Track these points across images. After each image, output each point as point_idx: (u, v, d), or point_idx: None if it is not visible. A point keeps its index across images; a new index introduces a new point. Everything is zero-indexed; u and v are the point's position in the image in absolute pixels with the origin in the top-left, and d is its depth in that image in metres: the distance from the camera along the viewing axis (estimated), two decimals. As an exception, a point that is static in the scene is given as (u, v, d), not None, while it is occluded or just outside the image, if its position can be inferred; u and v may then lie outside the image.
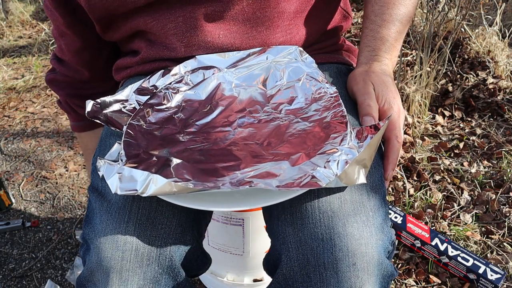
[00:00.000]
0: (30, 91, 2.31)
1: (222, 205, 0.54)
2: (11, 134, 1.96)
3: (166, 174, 0.58)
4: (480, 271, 1.17)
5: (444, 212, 1.40)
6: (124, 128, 0.65)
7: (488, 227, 1.35)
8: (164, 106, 0.71)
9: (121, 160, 0.59)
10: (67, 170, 1.72)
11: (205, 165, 0.60)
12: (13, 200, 1.56)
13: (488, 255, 1.27)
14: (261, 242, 1.02)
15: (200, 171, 0.59)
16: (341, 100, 0.66)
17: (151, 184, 0.52)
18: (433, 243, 1.24)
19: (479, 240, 1.32)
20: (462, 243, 1.31)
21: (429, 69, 1.77)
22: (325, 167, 0.55)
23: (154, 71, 0.77)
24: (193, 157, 0.62)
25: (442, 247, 1.23)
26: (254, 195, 0.55)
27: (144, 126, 0.66)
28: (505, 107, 1.81)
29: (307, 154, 0.59)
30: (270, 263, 0.65)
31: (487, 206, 1.41)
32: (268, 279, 1.12)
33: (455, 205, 1.43)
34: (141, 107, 0.69)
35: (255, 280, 1.12)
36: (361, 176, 0.55)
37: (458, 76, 1.98)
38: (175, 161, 0.61)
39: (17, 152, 1.84)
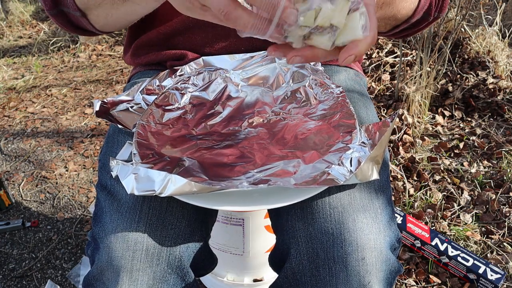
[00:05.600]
0: (30, 91, 2.31)
1: (241, 204, 0.55)
2: (11, 134, 1.96)
3: (182, 174, 0.58)
4: (480, 271, 1.17)
5: (444, 212, 1.40)
6: (134, 128, 0.66)
7: (488, 227, 1.35)
8: (172, 107, 0.72)
9: (135, 161, 0.59)
10: (67, 170, 1.72)
11: (219, 165, 0.61)
12: (13, 200, 1.56)
13: (488, 255, 1.27)
14: (261, 242, 1.02)
15: (215, 171, 0.60)
16: (348, 99, 0.68)
17: (170, 184, 0.52)
18: (433, 243, 1.24)
19: (479, 240, 1.32)
20: (462, 243, 1.31)
21: (429, 69, 1.77)
22: (339, 164, 0.56)
23: (169, 59, 0.78)
24: (206, 157, 0.62)
25: (442, 247, 1.23)
26: (272, 194, 0.56)
27: (153, 126, 0.67)
28: (505, 107, 1.81)
29: (319, 152, 0.61)
30: (277, 258, 0.66)
31: (487, 206, 1.41)
32: (268, 279, 1.12)
33: (455, 205, 1.43)
34: (149, 107, 0.70)
35: (255, 280, 1.12)
36: (374, 173, 0.57)
37: (458, 76, 1.98)
38: (189, 161, 0.61)
39: (17, 152, 1.84)
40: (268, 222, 0.97)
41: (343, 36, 0.44)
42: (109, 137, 0.73)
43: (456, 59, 2.06)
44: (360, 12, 0.43)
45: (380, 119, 1.80)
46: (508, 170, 1.52)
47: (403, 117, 1.77)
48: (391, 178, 1.56)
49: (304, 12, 0.41)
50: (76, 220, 1.49)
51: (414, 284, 1.22)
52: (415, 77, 1.80)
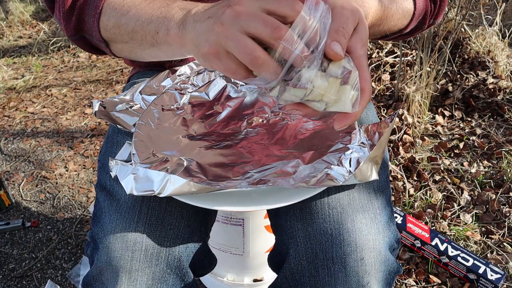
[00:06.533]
0: (30, 91, 2.31)
1: (240, 205, 0.55)
2: (11, 134, 1.96)
3: (181, 175, 0.58)
4: (480, 271, 1.17)
5: (444, 212, 1.40)
6: (133, 128, 0.66)
7: (488, 227, 1.34)
8: (172, 107, 0.71)
9: (134, 161, 0.59)
10: (67, 170, 1.72)
11: (218, 165, 0.61)
12: (13, 200, 1.56)
13: (488, 255, 1.27)
14: (261, 242, 1.02)
15: (214, 171, 0.60)
16: None
17: (169, 184, 0.52)
18: (433, 243, 1.24)
19: (479, 240, 1.32)
20: (462, 243, 1.31)
21: (429, 69, 1.77)
22: (338, 164, 0.56)
23: (168, 61, 0.78)
24: (205, 157, 0.63)
25: (442, 247, 1.23)
26: (271, 194, 0.56)
27: (153, 127, 0.67)
28: (505, 107, 1.81)
29: (319, 152, 0.61)
30: (277, 258, 0.66)
31: (487, 206, 1.41)
32: (268, 279, 1.12)
33: (455, 205, 1.43)
34: (149, 107, 0.70)
35: (255, 280, 1.12)
36: (373, 173, 0.57)
37: (458, 76, 1.98)
38: (188, 161, 0.61)
39: (17, 152, 1.84)
40: (268, 222, 0.97)
41: (333, 107, 0.47)
42: (108, 137, 0.73)
43: (456, 59, 2.06)
44: (352, 84, 0.45)
45: (380, 119, 1.80)
46: (508, 170, 1.52)
47: (403, 117, 1.77)
48: (391, 178, 1.56)
49: (296, 84, 0.44)
50: (76, 220, 1.49)
51: (414, 284, 1.22)
52: (415, 77, 1.80)
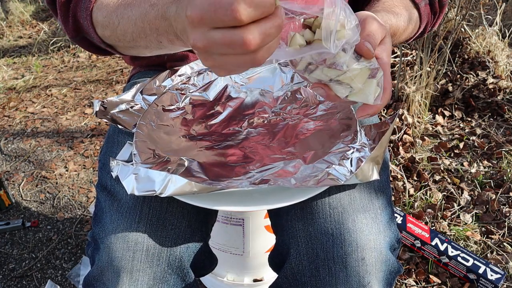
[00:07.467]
0: (30, 91, 2.31)
1: (241, 205, 0.55)
2: (11, 134, 1.96)
3: (182, 175, 0.58)
4: (480, 271, 1.17)
5: (444, 212, 1.40)
6: (134, 128, 0.66)
7: (488, 227, 1.35)
8: (172, 107, 0.71)
9: (135, 161, 0.59)
10: (67, 170, 1.72)
11: (219, 165, 0.61)
12: (13, 200, 1.56)
13: (488, 255, 1.27)
14: (261, 242, 1.02)
15: (215, 171, 0.60)
16: None
17: (170, 184, 0.52)
18: (433, 243, 1.24)
19: (479, 240, 1.32)
20: (462, 243, 1.31)
21: (429, 69, 1.77)
22: (339, 164, 0.56)
23: (169, 61, 0.78)
24: (206, 157, 0.63)
25: (442, 247, 1.23)
26: (272, 194, 0.56)
27: (154, 127, 0.67)
28: (505, 107, 1.81)
29: (320, 152, 0.61)
30: (277, 258, 0.66)
31: (487, 206, 1.41)
32: (268, 279, 1.12)
33: (455, 205, 1.43)
34: (150, 107, 0.70)
35: (255, 280, 1.12)
36: (374, 173, 0.57)
37: (458, 76, 1.98)
38: (189, 161, 0.61)
39: (17, 152, 1.84)
40: (268, 222, 0.97)
41: (356, 96, 0.49)
42: (109, 137, 0.73)
43: (456, 59, 2.06)
44: (377, 80, 0.48)
45: (380, 119, 1.80)
46: (508, 170, 1.52)
47: (403, 117, 1.77)
48: (391, 178, 1.56)
49: (331, 65, 0.46)
50: (76, 220, 1.49)
51: (414, 284, 1.22)
52: (415, 77, 1.80)
